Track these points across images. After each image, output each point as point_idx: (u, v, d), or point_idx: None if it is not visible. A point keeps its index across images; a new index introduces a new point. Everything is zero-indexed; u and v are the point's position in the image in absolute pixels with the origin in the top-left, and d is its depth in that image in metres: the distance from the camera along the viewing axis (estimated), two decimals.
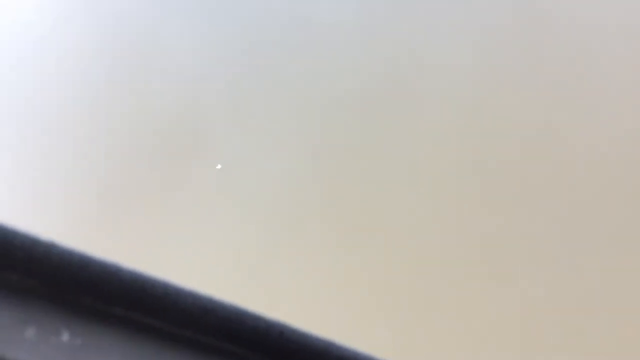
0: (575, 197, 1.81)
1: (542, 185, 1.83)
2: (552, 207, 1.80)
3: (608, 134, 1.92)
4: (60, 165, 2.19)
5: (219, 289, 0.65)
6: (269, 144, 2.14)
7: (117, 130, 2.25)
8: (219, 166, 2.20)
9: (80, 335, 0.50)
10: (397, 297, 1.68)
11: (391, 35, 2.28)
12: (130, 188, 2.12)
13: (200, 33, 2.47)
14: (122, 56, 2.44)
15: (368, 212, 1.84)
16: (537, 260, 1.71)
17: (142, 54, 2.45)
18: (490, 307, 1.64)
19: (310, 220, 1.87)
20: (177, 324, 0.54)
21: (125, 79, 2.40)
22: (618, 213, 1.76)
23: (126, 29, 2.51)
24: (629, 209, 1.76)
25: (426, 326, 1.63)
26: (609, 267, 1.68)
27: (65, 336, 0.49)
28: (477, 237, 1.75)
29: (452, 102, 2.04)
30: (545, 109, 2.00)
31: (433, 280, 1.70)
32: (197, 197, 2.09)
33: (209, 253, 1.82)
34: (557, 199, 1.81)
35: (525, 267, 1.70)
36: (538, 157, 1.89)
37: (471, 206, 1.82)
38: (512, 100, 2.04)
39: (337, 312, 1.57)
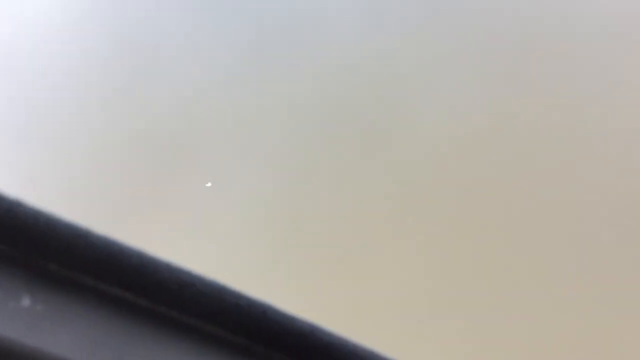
0: (577, 201, 1.79)
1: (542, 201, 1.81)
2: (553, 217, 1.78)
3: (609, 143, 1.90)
4: (48, 174, 2.15)
5: None
6: (260, 161, 2.12)
7: (108, 141, 2.22)
8: (209, 184, 2.16)
9: (43, 302, 0.46)
10: (386, 300, 1.66)
11: (385, 56, 2.27)
12: (119, 201, 2.09)
13: (195, 51, 2.45)
14: (121, 70, 2.42)
15: (358, 229, 1.81)
16: (533, 270, 1.68)
17: (140, 68, 2.44)
18: (486, 307, 1.61)
19: (301, 234, 1.84)
20: (151, 298, 0.49)
21: (119, 93, 2.38)
22: (620, 217, 1.75)
23: (126, 45, 2.49)
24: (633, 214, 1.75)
25: (416, 321, 1.61)
26: (610, 270, 1.66)
27: (25, 301, 0.45)
28: (469, 241, 1.73)
29: (448, 114, 2.02)
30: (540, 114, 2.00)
31: (420, 281, 1.68)
32: (186, 210, 2.06)
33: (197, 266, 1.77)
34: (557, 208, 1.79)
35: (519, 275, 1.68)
36: (536, 164, 1.88)
37: (463, 212, 1.80)
38: (506, 105, 2.04)
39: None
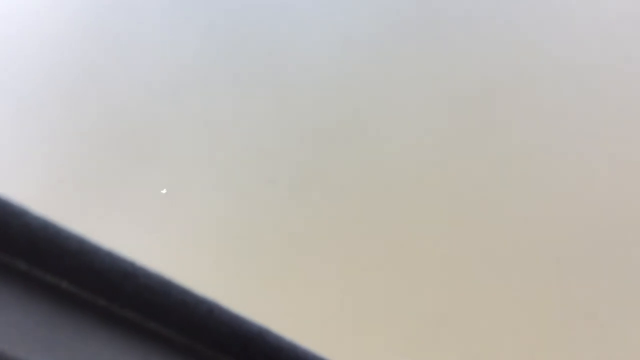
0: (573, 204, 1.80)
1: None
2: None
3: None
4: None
5: None
6: (218, 171, 2.09)
7: (62, 136, 2.16)
8: (164, 190, 2.12)
9: None
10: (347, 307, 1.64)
11: (350, 71, 2.27)
12: (65, 199, 2.03)
13: (158, 53, 2.42)
14: (80, 65, 2.37)
15: (313, 237, 1.79)
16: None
17: (99, 64, 2.39)
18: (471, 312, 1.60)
19: (254, 242, 1.81)
20: (90, 288, 0.45)
21: (78, 87, 2.32)
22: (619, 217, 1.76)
23: (85, 42, 2.45)
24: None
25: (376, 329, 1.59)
26: (607, 271, 1.66)
27: None
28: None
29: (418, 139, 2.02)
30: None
31: (372, 290, 1.66)
32: (138, 215, 2.01)
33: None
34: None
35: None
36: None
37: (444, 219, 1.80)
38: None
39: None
